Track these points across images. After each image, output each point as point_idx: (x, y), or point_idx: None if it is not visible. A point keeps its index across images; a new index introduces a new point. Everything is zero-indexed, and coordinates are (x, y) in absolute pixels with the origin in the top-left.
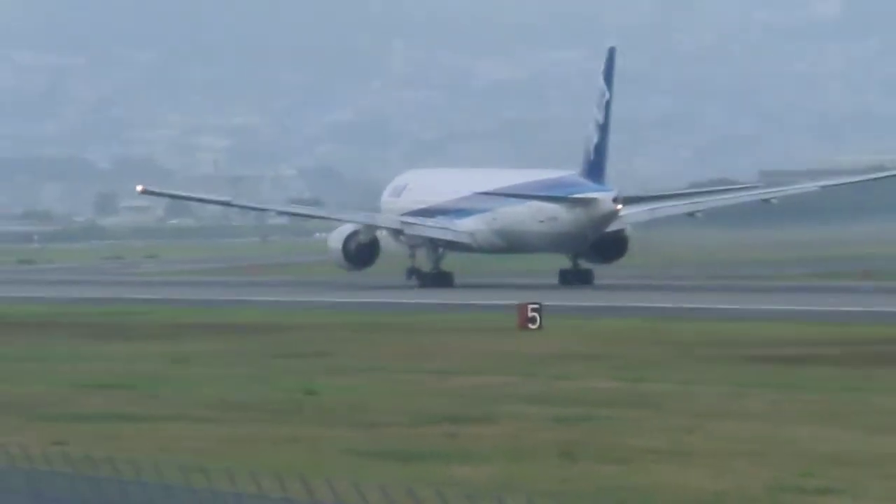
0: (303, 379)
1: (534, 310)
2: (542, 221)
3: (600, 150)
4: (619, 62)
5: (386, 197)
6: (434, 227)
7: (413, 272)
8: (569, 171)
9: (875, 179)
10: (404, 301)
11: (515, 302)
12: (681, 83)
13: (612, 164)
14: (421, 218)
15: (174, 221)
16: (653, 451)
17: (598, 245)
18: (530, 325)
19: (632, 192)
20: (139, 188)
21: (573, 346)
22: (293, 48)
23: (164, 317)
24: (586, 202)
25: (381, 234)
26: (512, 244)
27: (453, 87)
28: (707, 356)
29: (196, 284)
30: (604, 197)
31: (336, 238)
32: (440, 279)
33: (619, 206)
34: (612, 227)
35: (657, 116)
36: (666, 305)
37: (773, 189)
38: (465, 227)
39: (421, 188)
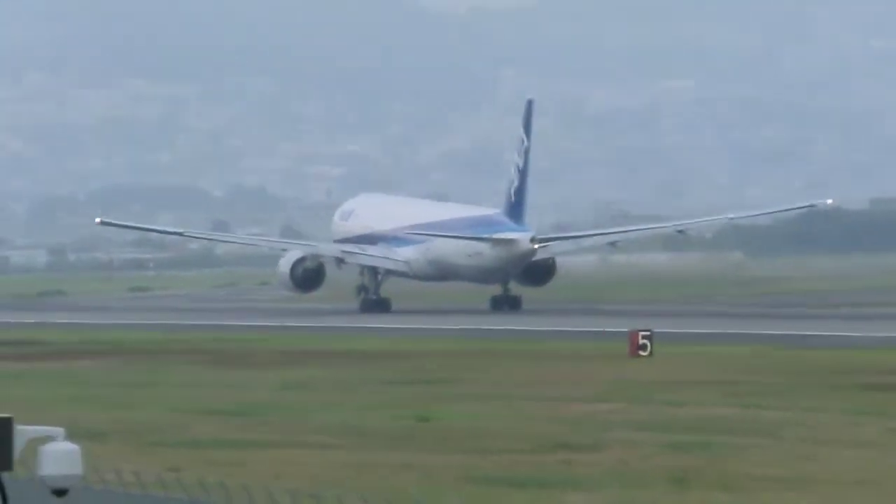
0: (418, 405)
1: (644, 337)
2: (469, 256)
3: (520, 193)
4: (731, 90)
5: (336, 219)
6: (374, 256)
7: (363, 289)
8: (495, 210)
9: (785, 211)
10: (517, 328)
11: (624, 329)
12: (793, 111)
13: (723, 193)
14: (363, 245)
15: None
16: (767, 478)
17: (530, 271)
18: (641, 353)
19: (562, 233)
20: (97, 220)
21: (685, 373)
22: (406, 77)
23: (279, 343)
24: (507, 242)
25: (326, 260)
26: (443, 273)
27: (566, 116)
28: (821, 383)
29: (310, 312)
30: (522, 237)
31: (284, 263)
32: (379, 305)
33: (536, 246)
34: (542, 256)
35: (769, 145)
36: (778, 332)
37: (688, 221)
38: (403, 256)
39: (366, 214)
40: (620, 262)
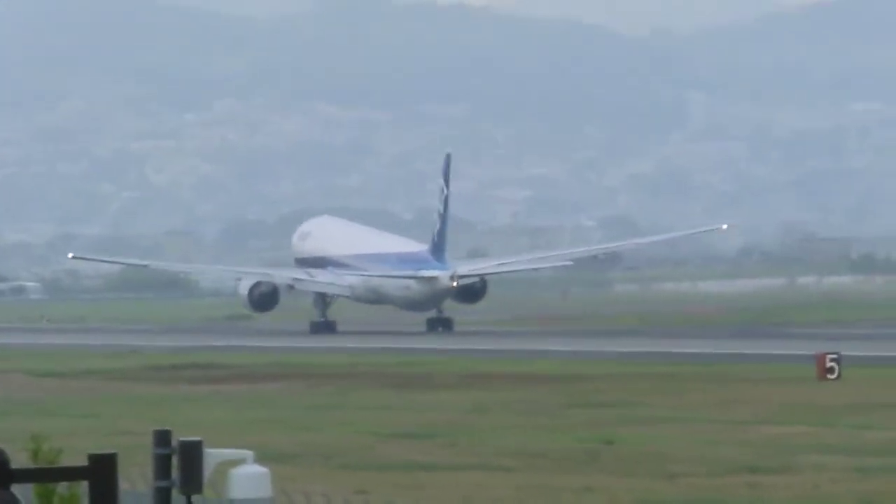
0: (600, 428)
1: (832, 359)
2: (399, 288)
3: (441, 235)
4: None
5: (295, 240)
6: (321, 283)
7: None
8: (423, 247)
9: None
10: (698, 351)
11: (810, 352)
12: None
13: None
14: (314, 270)
15: None
16: None
17: (464, 292)
18: (829, 375)
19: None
20: (70, 255)
21: (874, 396)
22: (593, 100)
23: (463, 366)
24: (430, 279)
25: (280, 285)
26: (380, 299)
27: (753, 139)
28: None
29: (494, 335)
30: (442, 275)
31: (243, 287)
32: (326, 327)
33: (455, 283)
34: (470, 281)
35: None
36: None
37: (602, 246)
38: (347, 282)
39: (320, 238)
40: (806, 283)
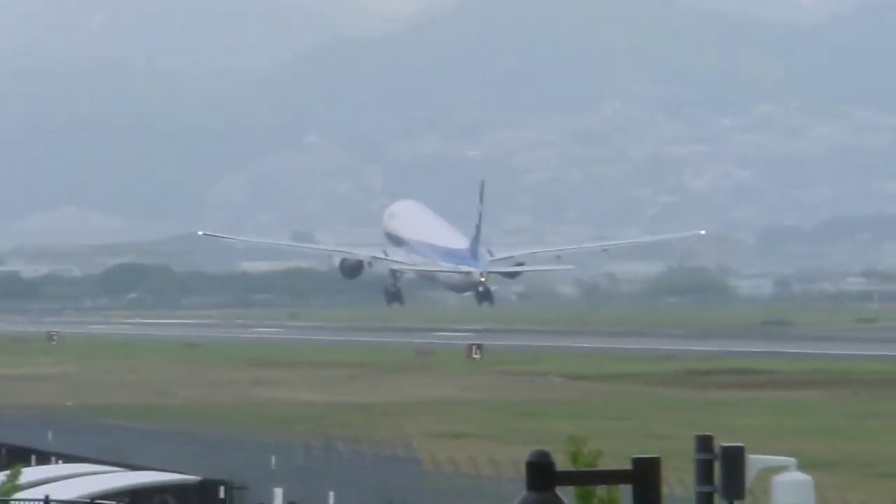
0: None
1: None
2: (445, 275)
3: (476, 240)
4: None
5: (385, 218)
6: (391, 261)
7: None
8: (465, 245)
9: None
10: None
11: None
12: None
13: None
14: (390, 248)
15: None
16: None
17: (507, 274)
18: None
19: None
20: (200, 232)
21: None
22: None
23: None
24: (466, 273)
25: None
26: (433, 279)
27: None
28: None
29: None
30: (475, 272)
31: (336, 261)
32: (395, 296)
33: (483, 278)
34: (508, 268)
35: None
36: None
37: (608, 242)
38: (412, 261)
39: (400, 220)
40: None
